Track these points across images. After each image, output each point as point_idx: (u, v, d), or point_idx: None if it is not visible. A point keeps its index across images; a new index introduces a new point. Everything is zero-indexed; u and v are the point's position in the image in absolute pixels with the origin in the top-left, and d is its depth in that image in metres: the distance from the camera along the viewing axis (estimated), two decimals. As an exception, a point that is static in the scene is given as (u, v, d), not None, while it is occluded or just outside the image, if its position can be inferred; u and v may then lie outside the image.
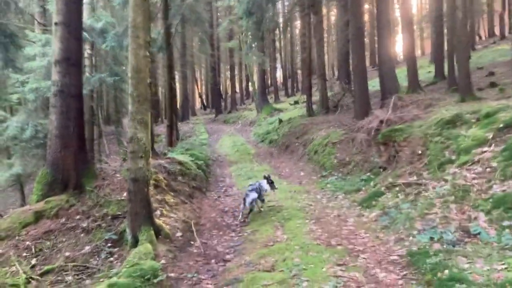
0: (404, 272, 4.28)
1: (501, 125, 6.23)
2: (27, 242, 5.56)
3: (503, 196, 4.86)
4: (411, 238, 5.04)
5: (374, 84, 18.20)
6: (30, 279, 4.86)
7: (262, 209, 7.41)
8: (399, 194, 6.55)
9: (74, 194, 6.70)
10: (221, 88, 44.52)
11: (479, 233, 4.53)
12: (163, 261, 5.18)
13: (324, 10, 31.80)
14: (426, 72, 21.43)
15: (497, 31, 33.42)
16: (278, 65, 47.76)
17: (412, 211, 5.63)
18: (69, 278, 4.97)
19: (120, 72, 15.24)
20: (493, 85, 12.48)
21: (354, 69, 13.41)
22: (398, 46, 35.24)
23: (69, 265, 5.19)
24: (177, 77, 39.66)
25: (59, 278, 4.99)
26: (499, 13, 32.02)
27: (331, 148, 10.95)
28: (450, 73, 14.87)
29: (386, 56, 14.04)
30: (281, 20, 29.77)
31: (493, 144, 6.02)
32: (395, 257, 4.70)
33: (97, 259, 5.52)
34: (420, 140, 7.44)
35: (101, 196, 6.76)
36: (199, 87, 53.36)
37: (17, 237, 5.65)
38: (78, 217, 6.39)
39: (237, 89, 49.03)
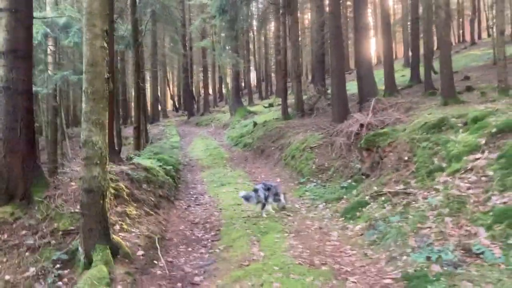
0: (402, 301, 3.70)
1: (494, 130, 5.80)
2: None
3: (504, 209, 4.37)
4: (405, 257, 4.45)
5: (349, 88, 17.85)
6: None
7: (273, 210, 7.22)
8: (385, 205, 6.00)
9: (20, 206, 5.80)
10: (194, 90, 43.50)
11: (482, 252, 4.00)
12: (119, 287, 4.41)
13: (298, 13, 31.54)
14: (400, 76, 21.40)
15: (467, 36, 34.10)
16: (252, 68, 47.31)
17: (403, 225, 5.06)
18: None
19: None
20: (469, 89, 12.39)
21: (332, 69, 12.97)
22: (372, 50, 35.40)
23: (7, 293, 4.35)
24: (147, 77, 38.52)
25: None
26: (470, 18, 32.63)
27: (309, 153, 10.38)
28: (427, 76, 14.73)
29: (365, 58, 13.70)
30: (255, 21, 29.22)
31: (486, 151, 5.57)
32: (389, 281, 4.11)
33: (43, 283, 4.68)
34: (406, 146, 6.95)
35: (52, 208, 5.85)
36: (171, 88, 52.17)
37: None
38: (23, 232, 5.51)
39: (210, 91, 48.25)
